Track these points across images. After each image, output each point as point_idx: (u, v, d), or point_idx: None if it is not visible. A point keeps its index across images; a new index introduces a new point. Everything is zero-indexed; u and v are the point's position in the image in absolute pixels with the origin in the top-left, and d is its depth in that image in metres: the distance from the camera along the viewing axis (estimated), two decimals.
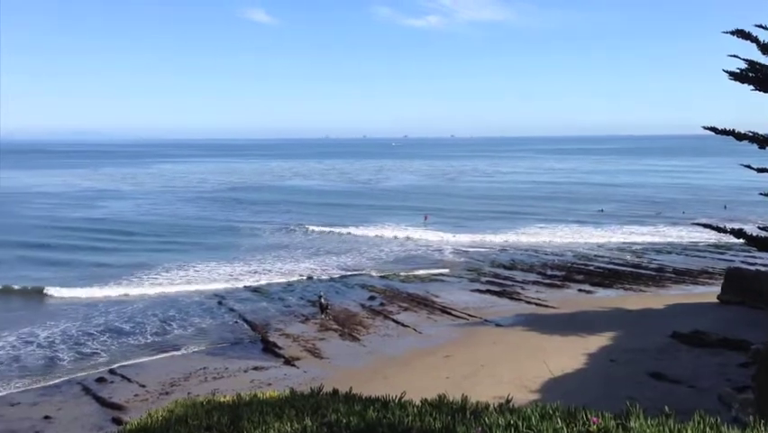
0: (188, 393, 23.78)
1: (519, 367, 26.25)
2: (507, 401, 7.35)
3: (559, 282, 44.46)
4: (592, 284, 43.48)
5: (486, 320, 35.24)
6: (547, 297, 40.15)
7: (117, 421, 22.95)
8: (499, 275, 47.16)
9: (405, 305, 38.91)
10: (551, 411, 6.28)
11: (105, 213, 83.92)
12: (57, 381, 27.57)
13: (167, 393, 25.47)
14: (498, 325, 34.24)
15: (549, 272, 47.89)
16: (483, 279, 46.13)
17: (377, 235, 65.18)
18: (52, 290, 42.01)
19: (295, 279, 46.46)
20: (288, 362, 29.14)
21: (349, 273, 48.37)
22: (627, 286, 42.85)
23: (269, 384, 25.18)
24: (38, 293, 42.04)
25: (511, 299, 40.23)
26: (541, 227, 69.41)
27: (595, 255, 54.44)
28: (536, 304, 38.46)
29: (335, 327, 34.63)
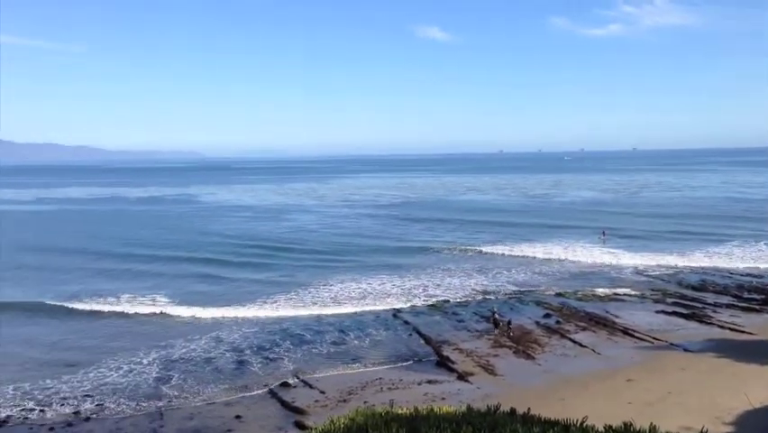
0: (365, 402, 24.55)
1: (711, 397, 24.31)
2: None
3: (757, 306, 40.65)
4: None
5: (672, 344, 33.01)
6: (743, 321, 36.88)
7: (299, 425, 24.16)
8: (687, 296, 44.04)
9: (582, 324, 37.50)
10: None
11: (290, 227, 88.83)
12: (247, 383, 29.54)
13: (345, 401, 26.42)
14: (686, 350, 31.98)
15: (746, 295, 44.00)
16: (669, 300, 43.28)
17: (551, 252, 63.30)
18: (235, 310, 45.06)
19: (467, 294, 46.40)
20: (462, 377, 29.11)
21: (523, 290, 47.48)
22: None
23: (443, 399, 25.31)
24: (220, 307, 45.28)
25: (701, 322, 37.40)
26: (735, 246, 64.03)
27: None
28: (731, 329, 35.42)
29: (509, 343, 34.11)
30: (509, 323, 36.59)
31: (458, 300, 44.70)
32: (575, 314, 39.82)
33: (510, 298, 45.27)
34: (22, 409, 26.63)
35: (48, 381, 29.91)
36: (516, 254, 62.72)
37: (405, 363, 31.67)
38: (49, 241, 76.49)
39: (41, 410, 26.49)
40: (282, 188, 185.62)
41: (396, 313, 41.36)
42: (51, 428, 24.84)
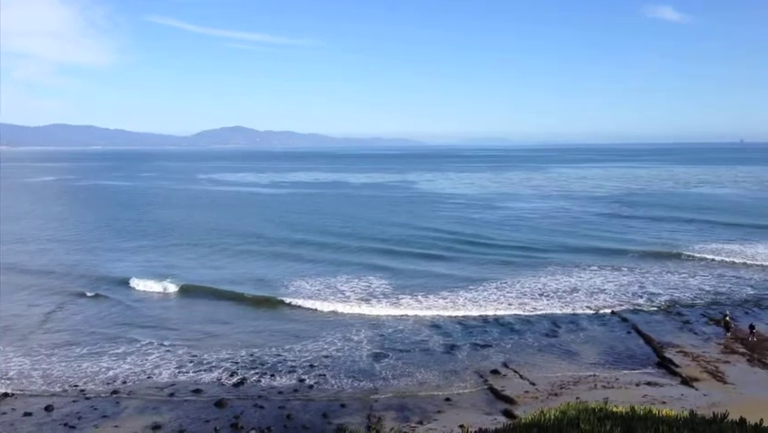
0: (577, 398, 23.81)
1: None
2: None
3: None
4: None
5: None
6: None
7: (507, 413, 24.06)
8: None
9: None
10: None
11: (502, 216, 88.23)
12: (456, 368, 30.00)
13: (555, 394, 25.84)
14: None
15: None
16: None
17: None
18: (443, 299, 45.67)
19: (693, 295, 43.04)
20: (686, 381, 27.13)
21: (761, 294, 43.02)
22: None
23: (663, 402, 23.78)
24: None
25: None
26: None
27: None
28: None
29: (743, 350, 31.12)
30: (753, 327, 33.24)
31: (681, 300, 41.64)
32: None
33: (746, 302, 41.25)
34: (256, 372, 29.40)
35: (273, 348, 32.79)
36: (753, 257, 56.56)
37: (621, 363, 30.17)
38: (280, 223, 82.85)
39: (272, 375, 29.04)
40: (499, 177, 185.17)
41: (613, 309, 39.56)
42: (280, 392, 27.16)
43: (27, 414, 24.97)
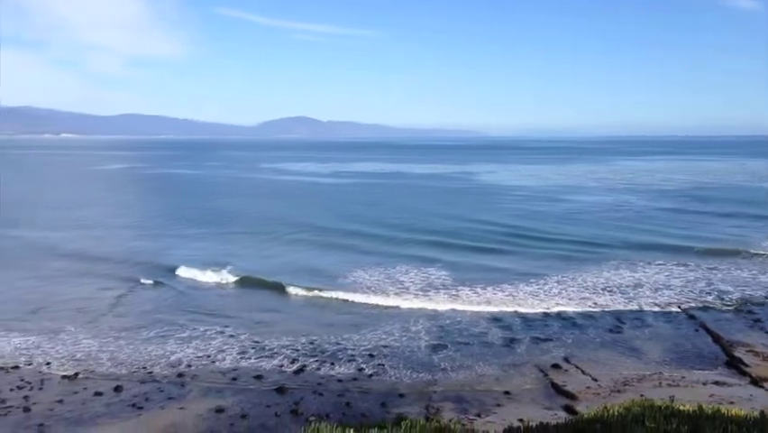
0: (641, 395, 23.27)
1: None
2: None
3: None
4: None
5: None
6: None
7: (568, 409, 23.72)
8: None
9: None
10: None
11: (564, 210, 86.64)
12: (516, 361, 29.71)
13: (618, 391, 25.32)
14: None
15: None
16: None
17: None
18: (503, 292, 45.21)
19: (766, 292, 41.42)
20: (756, 382, 26.18)
21: None
22: None
23: (731, 402, 22.97)
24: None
25: None
26: None
27: None
28: None
29: None
30: None
31: (752, 298, 40.12)
32: None
33: None
34: (316, 360, 29.78)
35: (332, 337, 33.14)
36: None
37: (688, 361, 29.31)
38: (346, 213, 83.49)
39: (331, 364, 29.35)
40: (563, 169, 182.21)
41: (679, 305, 38.47)
42: (339, 380, 27.44)
43: (98, 393, 25.93)
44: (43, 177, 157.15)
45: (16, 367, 29.04)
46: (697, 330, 33.88)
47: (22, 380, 27.45)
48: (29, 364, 29.41)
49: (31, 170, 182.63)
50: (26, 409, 24.27)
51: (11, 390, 26.29)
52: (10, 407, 24.50)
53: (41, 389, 26.49)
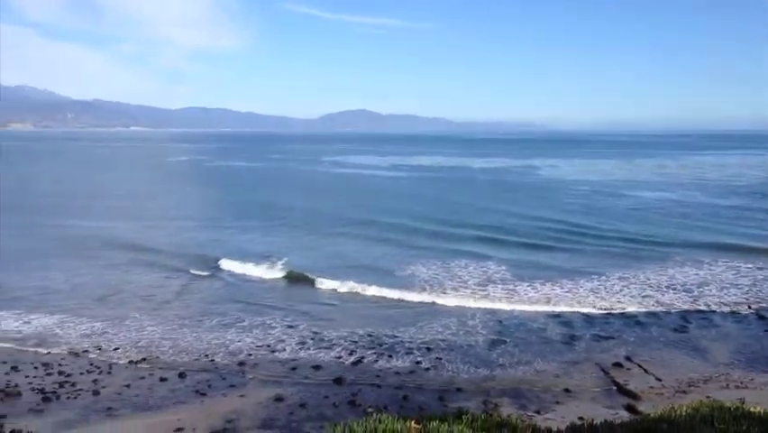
0: (708, 397, 22.59)
1: None
2: None
3: None
4: None
5: None
6: None
7: (630, 408, 23.23)
8: None
9: None
10: None
11: (627, 206, 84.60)
12: (576, 359, 29.23)
13: (684, 392, 24.66)
14: None
15: None
16: None
17: None
18: (560, 287, 44.48)
19: None
20: None
21: None
22: None
23: None
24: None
25: None
26: None
27: None
28: None
29: None
30: None
31: None
32: None
33: None
34: (374, 352, 29.94)
35: (389, 330, 33.24)
36: None
37: (758, 362, 28.32)
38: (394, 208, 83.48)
39: (389, 356, 29.46)
40: (627, 164, 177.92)
41: (749, 306, 37.15)
42: (397, 373, 27.53)
43: (163, 379, 26.68)
44: (113, 170, 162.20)
45: (86, 351, 30.15)
46: (767, 331, 32.70)
47: (92, 364, 28.49)
48: (98, 349, 30.48)
49: (101, 164, 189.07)
50: (95, 393, 25.17)
51: (81, 373, 27.31)
52: (80, 390, 25.44)
53: (109, 373, 27.44)
